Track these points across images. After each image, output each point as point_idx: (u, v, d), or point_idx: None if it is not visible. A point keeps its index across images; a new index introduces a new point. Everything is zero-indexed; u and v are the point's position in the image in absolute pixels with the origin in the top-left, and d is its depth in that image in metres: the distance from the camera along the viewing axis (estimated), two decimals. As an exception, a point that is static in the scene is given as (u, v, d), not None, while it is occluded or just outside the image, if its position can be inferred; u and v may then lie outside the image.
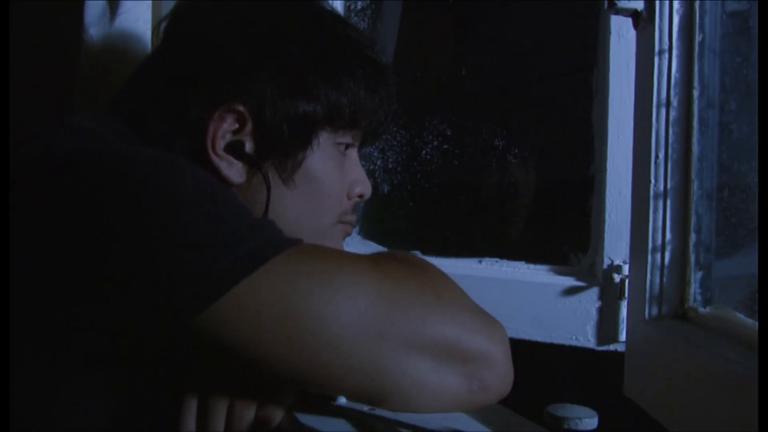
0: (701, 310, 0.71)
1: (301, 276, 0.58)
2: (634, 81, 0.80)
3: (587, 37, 0.99)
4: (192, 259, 0.55)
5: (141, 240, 0.55)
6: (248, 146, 0.73)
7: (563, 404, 0.57)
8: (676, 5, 0.72)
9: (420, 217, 1.26)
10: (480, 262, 1.05)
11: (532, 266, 1.02)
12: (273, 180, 0.73)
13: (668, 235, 0.73)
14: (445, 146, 1.20)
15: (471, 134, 1.19)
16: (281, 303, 0.57)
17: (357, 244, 1.18)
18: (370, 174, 1.21)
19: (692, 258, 0.72)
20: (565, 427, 0.55)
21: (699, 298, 0.72)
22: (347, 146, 0.79)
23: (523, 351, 0.78)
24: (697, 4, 0.71)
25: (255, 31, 0.74)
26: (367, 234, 1.22)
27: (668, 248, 0.73)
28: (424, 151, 1.21)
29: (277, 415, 0.63)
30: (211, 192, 0.60)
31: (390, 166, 1.24)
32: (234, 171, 0.73)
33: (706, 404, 0.61)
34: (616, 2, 0.74)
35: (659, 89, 0.73)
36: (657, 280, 0.74)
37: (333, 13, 0.82)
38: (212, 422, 0.61)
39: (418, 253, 1.03)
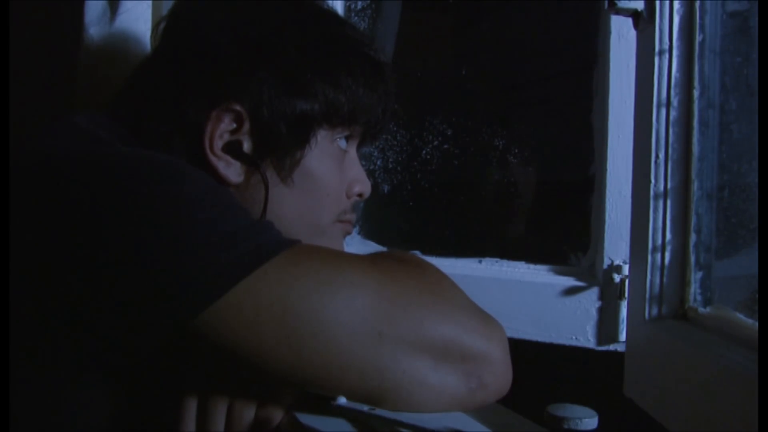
0: (701, 310, 0.71)
1: (300, 276, 0.58)
2: (634, 81, 0.80)
3: (587, 37, 0.99)
4: (190, 260, 0.55)
5: (140, 242, 0.55)
6: (246, 146, 0.73)
7: (563, 404, 0.57)
8: (676, 5, 0.72)
9: (420, 217, 1.26)
10: (480, 262, 1.05)
11: (532, 266, 1.02)
12: (271, 179, 0.73)
13: (668, 235, 0.73)
14: (445, 146, 1.20)
15: (471, 134, 1.20)
16: (280, 303, 0.56)
17: (357, 244, 1.18)
18: (370, 174, 1.21)
19: (692, 258, 0.72)
20: (565, 427, 0.55)
21: (699, 298, 0.72)
22: (346, 140, 0.79)
23: (523, 351, 0.78)
24: (697, 4, 0.71)
25: (252, 30, 0.74)
26: (367, 234, 1.22)
27: (668, 248, 0.73)
28: (424, 151, 1.21)
29: (277, 415, 0.63)
30: (210, 194, 0.60)
31: (390, 165, 1.24)
32: (232, 171, 0.72)
33: (706, 404, 0.61)
34: (616, 2, 0.74)
35: (659, 89, 0.73)
36: (657, 280, 0.74)
37: (330, 11, 0.82)
38: (212, 422, 0.61)
39: (418, 253, 1.03)
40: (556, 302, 0.96)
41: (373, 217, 1.25)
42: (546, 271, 1.00)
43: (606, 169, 0.93)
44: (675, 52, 0.72)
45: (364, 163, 0.97)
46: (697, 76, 0.71)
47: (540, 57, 1.19)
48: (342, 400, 0.63)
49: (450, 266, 0.83)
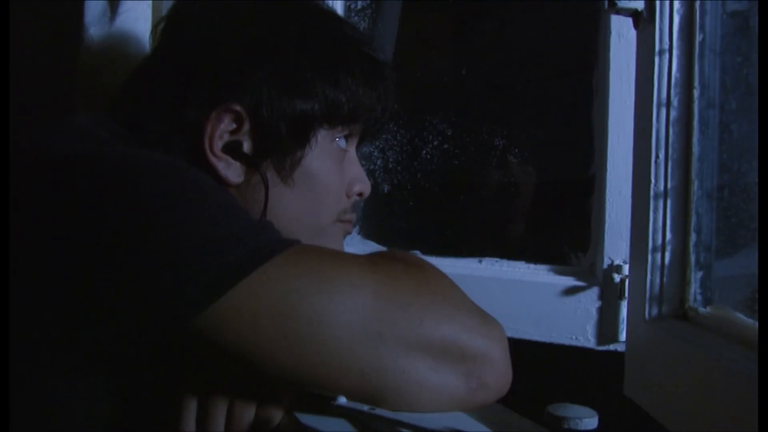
0: (701, 310, 0.71)
1: (299, 277, 0.57)
2: (634, 81, 0.80)
3: (587, 37, 0.99)
4: (190, 261, 0.55)
5: (139, 242, 0.55)
6: (246, 146, 0.73)
7: (563, 404, 0.57)
8: (676, 5, 0.72)
9: (420, 217, 1.26)
10: (480, 262, 1.05)
11: (532, 266, 1.02)
12: (272, 179, 0.73)
13: (668, 235, 0.73)
14: (445, 146, 1.20)
15: (471, 134, 1.20)
16: (279, 304, 0.56)
17: (357, 244, 1.18)
18: (371, 174, 1.21)
19: (692, 258, 0.72)
20: (565, 427, 0.55)
21: (699, 298, 0.72)
22: (346, 140, 0.79)
23: (523, 351, 0.78)
24: (697, 4, 0.71)
25: (251, 30, 0.74)
26: (367, 234, 1.22)
27: (668, 248, 0.73)
28: (424, 151, 1.21)
29: (277, 415, 0.63)
30: (209, 194, 0.60)
31: (390, 165, 1.24)
32: (232, 171, 0.72)
33: (706, 404, 0.61)
34: (617, 2, 0.74)
35: (659, 89, 0.73)
36: (657, 280, 0.74)
37: (329, 11, 0.83)
38: (212, 422, 0.61)
39: (418, 253, 1.03)
40: (556, 302, 0.96)
41: (373, 217, 1.25)
42: (546, 271, 1.00)
43: (606, 169, 0.93)
44: (675, 52, 0.72)
45: (364, 163, 0.97)
46: (697, 76, 0.71)
47: (540, 57, 1.19)
48: (342, 400, 0.63)
49: (450, 266, 0.83)
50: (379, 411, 0.61)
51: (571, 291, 0.95)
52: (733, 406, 0.57)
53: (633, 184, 0.79)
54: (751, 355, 0.57)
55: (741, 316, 0.64)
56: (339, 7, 1.16)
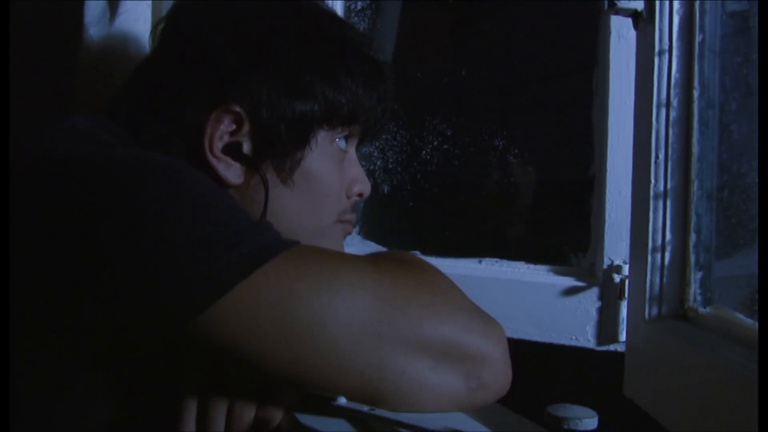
0: (701, 310, 0.71)
1: (299, 278, 0.57)
2: (634, 81, 0.80)
3: (587, 37, 0.99)
4: (190, 261, 0.55)
5: (139, 243, 0.55)
6: (246, 147, 0.73)
7: (563, 404, 0.57)
8: (676, 5, 0.72)
9: (420, 217, 1.26)
10: (480, 262, 1.05)
11: (532, 266, 1.02)
12: (271, 180, 0.73)
13: (668, 235, 0.73)
14: (445, 146, 1.20)
15: (471, 134, 1.20)
16: (279, 305, 0.56)
17: (357, 244, 1.18)
18: (370, 174, 1.21)
19: (692, 258, 0.72)
20: (565, 427, 0.55)
21: (699, 298, 0.72)
22: (346, 140, 0.79)
23: (523, 351, 0.78)
24: (697, 4, 0.71)
25: (251, 31, 0.74)
26: (367, 234, 1.22)
27: (668, 248, 0.73)
28: (424, 151, 1.21)
29: (277, 415, 0.63)
30: (209, 195, 0.60)
31: (390, 166, 1.24)
32: (232, 172, 0.72)
33: (706, 404, 0.62)
34: (616, 2, 0.74)
35: (659, 89, 0.73)
36: (657, 280, 0.74)
37: (329, 12, 0.83)
38: (212, 422, 0.61)
39: (418, 253, 1.03)
40: (556, 302, 0.96)
41: (373, 217, 1.25)
42: (546, 271, 1.00)
43: (606, 169, 0.93)
44: (675, 52, 0.72)
45: (364, 163, 0.97)
46: (697, 76, 0.71)
47: (540, 57, 1.19)
48: (342, 400, 0.63)
49: (450, 266, 0.83)
50: (379, 411, 0.61)
51: (571, 291, 0.95)
52: (733, 406, 0.57)
53: (633, 184, 0.79)
54: (751, 355, 0.57)
55: (741, 317, 0.64)
56: (339, 7, 1.16)
